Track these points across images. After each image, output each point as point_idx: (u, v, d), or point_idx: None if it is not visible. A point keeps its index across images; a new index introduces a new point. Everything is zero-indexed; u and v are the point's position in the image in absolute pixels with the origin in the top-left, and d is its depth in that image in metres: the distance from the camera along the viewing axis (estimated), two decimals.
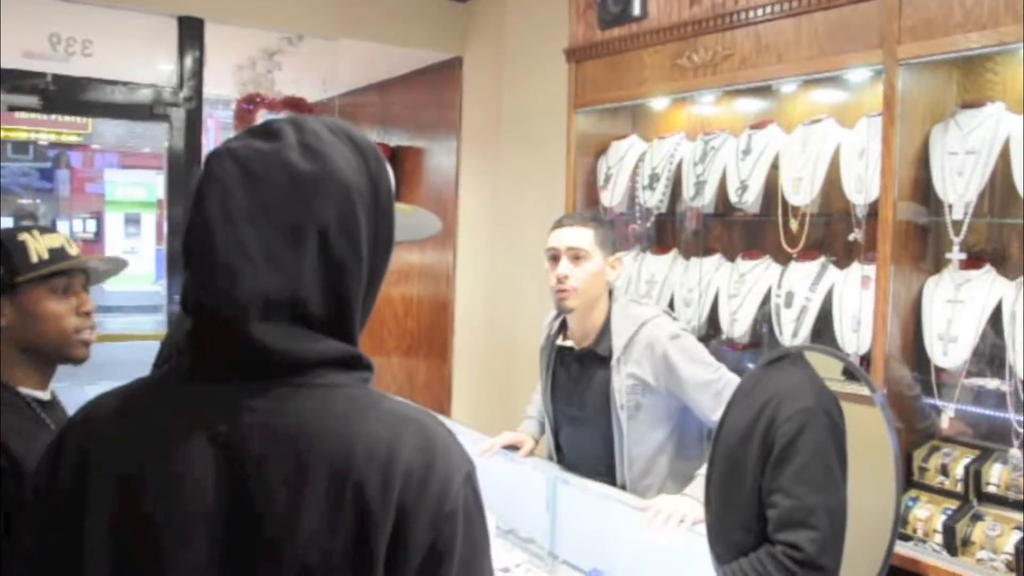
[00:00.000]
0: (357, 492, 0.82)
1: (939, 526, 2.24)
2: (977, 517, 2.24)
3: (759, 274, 2.83)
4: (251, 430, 0.85)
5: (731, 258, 2.98)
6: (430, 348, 5.06)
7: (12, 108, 3.87)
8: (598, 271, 2.26)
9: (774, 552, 1.58)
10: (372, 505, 0.82)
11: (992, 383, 2.22)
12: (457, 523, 0.84)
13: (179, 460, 0.85)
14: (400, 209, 0.96)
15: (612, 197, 3.28)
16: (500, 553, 2.15)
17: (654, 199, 3.14)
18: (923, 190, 2.35)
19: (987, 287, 2.25)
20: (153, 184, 16.80)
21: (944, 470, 2.32)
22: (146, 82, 4.07)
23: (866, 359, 2.37)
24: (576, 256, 2.24)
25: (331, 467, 0.83)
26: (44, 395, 1.54)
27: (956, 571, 2.14)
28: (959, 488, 2.29)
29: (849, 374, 1.73)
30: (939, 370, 2.29)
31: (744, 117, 2.97)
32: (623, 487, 2.25)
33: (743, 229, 3.04)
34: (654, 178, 3.16)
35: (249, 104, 4.57)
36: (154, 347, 2.02)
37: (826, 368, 1.71)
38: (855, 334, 2.46)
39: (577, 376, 2.33)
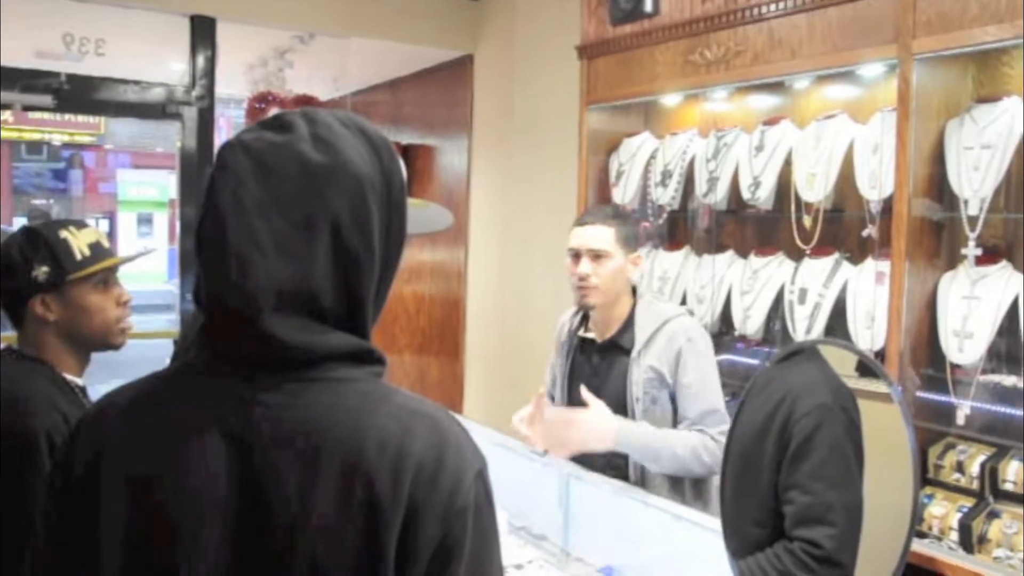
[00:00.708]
0: (367, 486, 0.82)
1: (955, 523, 2.23)
2: (993, 515, 2.22)
3: (772, 271, 2.82)
4: (263, 424, 0.85)
5: (744, 255, 2.97)
6: (442, 346, 5.06)
7: (26, 108, 3.89)
8: (619, 269, 2.26)
9: (792, 548, 1.58)
10: (382, 500, 0.82)
11: (1009, 380, 2.21)
12: (467, 519, 0.84)
13: (191, 454, 0.86)
14: (412, 203, 0.96)
15: (624, 194, 3.27)
16: (512, 550, 2.15)
17: (666, 196, 3.14)
18: (938, 185, 2.34)
19: (1003, 283, 2.24)
20: (165, 184, 16.90)
21: (960, 467, 2.31)
22: (158, 81, 4.09)
23: (880, 356, 2.36)
24: (596, 256, 2.25)
25: (342, 461, 0.83)
26: (81, 381, 1.60)
27: (972, 569, 2.13)
28: (975, 485, 2.27)
29: (863, 370, 1.72)
30: (954, 367, 2.28)
31: (757, 113, 2.96)
32: (633, 482, 2.25)
33: (756, 225, 3.03)
34: (666, 175, 3.15)
35: (261, 103, 4.58)
36: (166, 345, 2.04)
37: (840, 364, 1.71)
38: (869, 331, 2.44)
39: (596, 366, 2.33)
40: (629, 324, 2.29)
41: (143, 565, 0.86)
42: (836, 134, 2.62)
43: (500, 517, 0.91)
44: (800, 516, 1.60)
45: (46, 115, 14.45)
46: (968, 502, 2.26)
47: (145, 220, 17.64)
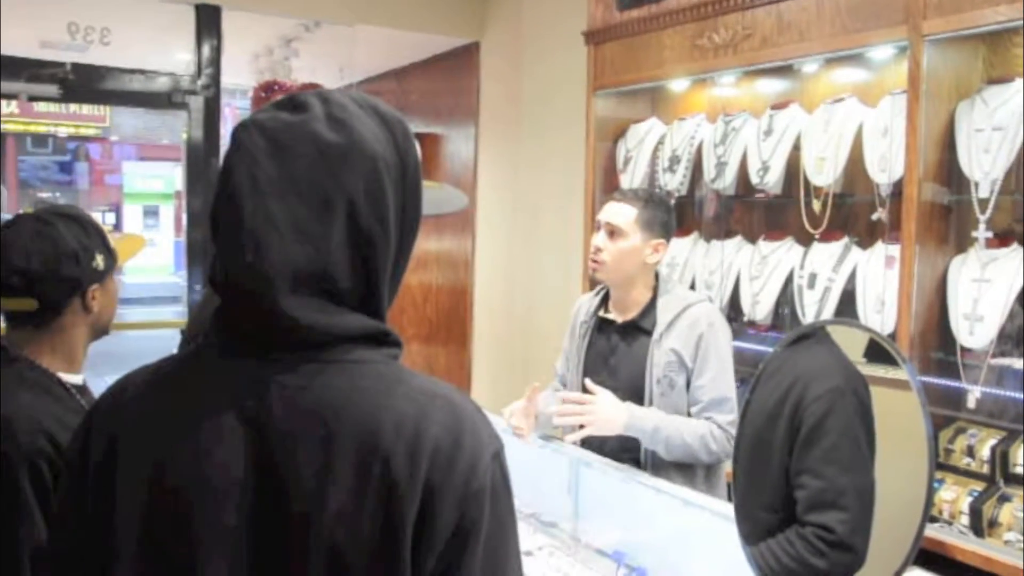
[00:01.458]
0: (384, 468, 0.81)
1: (965, 508, 2.23)
2: (1004, 499, 2.22)
3: (781, 255, 2.80)
4: (279, 406, 0.84)
5: (753, 240, 2.95)
6: (449, 335, 5.06)
7: (32, 98, 3.89)
8: (633, 250, 2.24)
9: (804, 533, 1.57)
10: (399, 481, 0.81)
11: (1019, 363, 2.20)
12: (484, 501, 0.84)
13: (207, 436, 0.85)
14: (426, 185, 0.95)
15: (632, 180, 3.26)
16: (522, 536, 2.12)
17: (674, 181, 3.12)
18: (948, 168, 2.32)
19: (1014, 266, 2.22)
20: (171, 176, 16.90)
21: (970, 451, 2.30)
22: (164, 70, 4.08)
23: (890, 339, 2.35)
24: (612, 232, 2.25)
25: (359, 443, 0.82)
26: (79, 380, 1.54)
27: (983, 552, 2.13)
28: (985, 470, 2.27)
29: (872, 356, 1.71)
30: (965, 350, 2.27)
31: (765, 97, 2.95)
32: (645, 467, 2.24)
33: (765, 210, 3.02)
34: (674, 160, 3.13)
35: (266, 92, 4.57)
36: (172, 336, 2.04)
37: (850, 350, 1.69)
38: (879, 315, 2.43)
39: (615, 346, 2.32)
40: (651, 307, 2.28)
41: (160, 549, 0.85)
42: (845, 118, 2.61)
43: None
44: (812, 501, 1.59)
45: (51, 108, 14.48)
46: (979, 486, 2.26)
47: (151, 212, 17.64)
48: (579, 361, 2.40)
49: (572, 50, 3.48)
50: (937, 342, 2.33)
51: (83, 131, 17.11)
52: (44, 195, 17.90)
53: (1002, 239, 2.27)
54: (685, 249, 3.12)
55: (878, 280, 2.46)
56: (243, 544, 0.84)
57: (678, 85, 3.15)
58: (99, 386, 1.54)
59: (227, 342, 0.89)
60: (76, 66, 3.88)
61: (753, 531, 1.66)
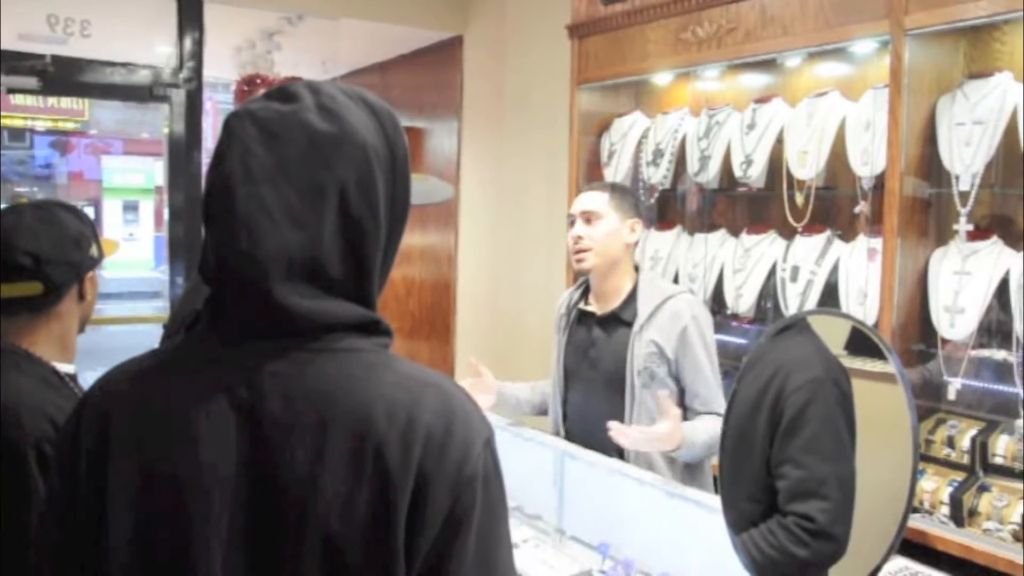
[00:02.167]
0: (377, 456, 0.82)
1: (946, 498, 2.25)
2: (983, 488, 2.24)
3: (764, 249, 2.82)
4: (271, 394, 0.84)
5: (736, 233, 2.97)
6: (432, 329, 5.06)
7: (11, 90, 3.85)
8: (613, 231, 2.27)
9: (786, 523, 1.58)
10: (392, 468, 0.82)
11: (999, 354, 2.22)
12: (477, 487, 0.84)
13: (199, 424, 0.85)
14: (413, 176, 0.96)
15: (616, 174, 3.26)
16: None
17: (658, 175, 3.13)
18: (929, 162, 2.34)
19: (994, 258, 2.25)
20: (151, 171, 16.77)
21: (950, 442, 2.33)
22: (146, 64, 4.05)
23: (875, 329, 2.37)
24: (589, 218, 2.28)
25: (351, 431, 0.83)
26: (72, 369, 1.56)
27: (963, 542, 2.15)
28: (965, 460, 2.29)
29: (853, 349, 1.72)
30: (946, 342, 2.29)
31: (748, 92, 2.96)
32: (629, 459, 2.25)
33: (748, 204, 3.03)
34: (658, 154, 3.14)
35: (249, 85, 4.55)
36: (151, 331, 2.03)
37: (831, 341, 1.70)
38: (861, 307, 2.45)
39: (596, 338, 2.33)
40: (632, 298, 2.29)
41: (154, 539, 0.86)
42: (828, 112, 2.62)
43: None
44: (793, 490, 1.60)
45: (29, 101, 14.32)
46: (959, 476, 2.28)
47: (131, 207, 17.51)
48: (560, 354, 2.41)
49: (556, 44, 3.48)
50: (918, 334, 2.35)
51: (61, 125, 16.94)
52: (21, 190, 17.71)
53: (982, 232, 2.29)
54: (668, 243, 3.13)
55: (860, 273, 2.48)
56: (237, 532, 0.84)
57: (662, 79, 3.16)
58: (82, 381, 1.53)
59: (218, 331, 0.89)
60: (56, 58, 3.85)
61: (736, 522, 1.67)
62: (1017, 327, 2.15)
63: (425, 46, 4.93)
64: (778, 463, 1.61)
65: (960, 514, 2.22)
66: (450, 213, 4.75)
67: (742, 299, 2.82)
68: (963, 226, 2.27)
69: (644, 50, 3.06)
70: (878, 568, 1.47)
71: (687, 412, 2.24)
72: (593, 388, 2.33)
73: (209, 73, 4.29)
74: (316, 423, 0.83)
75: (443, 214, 4.81)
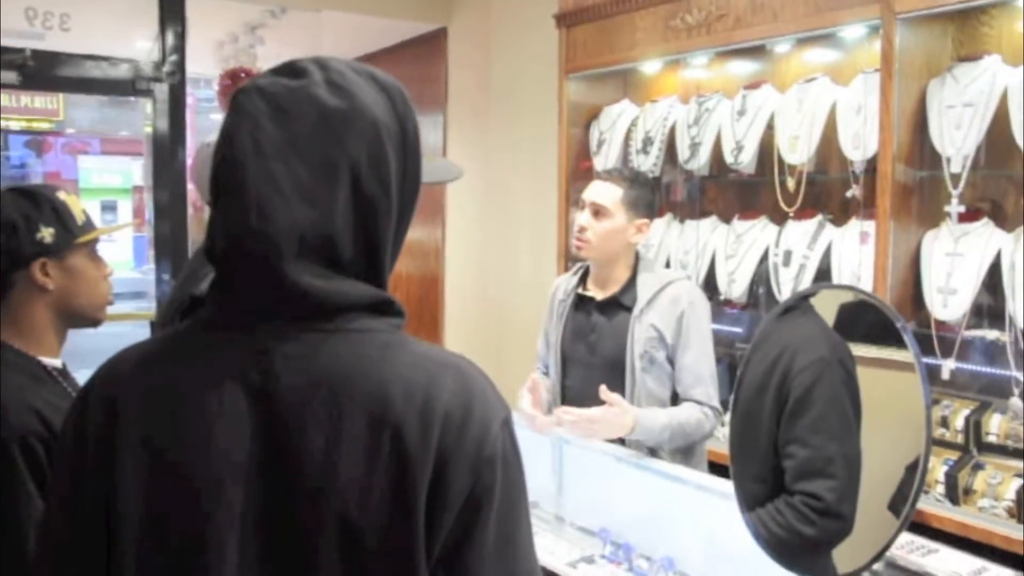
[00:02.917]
0: (396, 437, 0.80)
1: (941, 476, 2.28)
2: (978, 467, 2.27)
3: (756, 234, 2.83)
4: (285, 376, 0.82)
5: (727, 219, 2.98)
6: (420, 323, 5.04)
7: None
8: (617, 230, 2.26)
9: (793, 502, 1.59)
10: (411, 450, 0.80)
11: (992, 334, 2.24)
12: (496, 468, 0.83)
13: (211, 410, 0.83)
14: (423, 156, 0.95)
15: (605, 163, 3.27)
16: None
17: (648, 163, 3.13)
18: (921, 144, 2.36)
19: (985, 239, 2.27)
20: (129, 170, 16.58)
21: (944, 422, 2.35)
22: (126, 57, 3.99)
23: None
24: (597, 211, 2.26)
25: (368, 412, 0.81)
26: (59, 363, 1.50)
27: (959, 519, 2.18)
28: (960, 439, 2.32)
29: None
30: (939, 323, 2.31)
31: (738, 78, 2.97)
32: (627, 444, 2.25)
33: (739, 190, 3.04)
34: (647, 142, 3.15)
35: (232, 80, 4.51)
36: (135, 330, 1.98)
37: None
38: None
39: (595, 323, 2.33)
40: (631, 284, 2.29)
41: (166, 527, 0.83)
42: (818, 97, 2.63)
43: None
44: (800, 470, 1.61)
45: (3, 101, 14.10)
46: (953, 455, 2.31)
47: (109, 207, 17.29)
48: (557, 339, 2.40)
49: (543, 33, 3.47)
50: (911, 315, 2.37)
51: (36, 125, 16.70)
52: None
53: (974, 213, 2.31)
54: (659, 230, 3.13)
55: (853, 256, 2.49)
56: (251, 517, 0.82)
57: (651, 67, 3.16)
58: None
59: (226, 313, 0.87)
60: (36, 52, 3.78)
61: (743, 502, 1.68)
62: (1009, 306, 2.17)
63: (409, 38, 4.91)
64: (785, 443, 1.62)
65: (956, 493, 2.24)
66: (436, 207, 4.73)
67: (735, 285, 2.83)
68: (955, 208, 2.29)
69: (633, 38, 3.06)
70: (888, 545, 1.48)
71: (677, 398, 2.25)
72: (592, 373, 2.32)
73: (190, 68, 4.23)
74: (332, 405, 0.81)
75: (430, 209, 4.79)
